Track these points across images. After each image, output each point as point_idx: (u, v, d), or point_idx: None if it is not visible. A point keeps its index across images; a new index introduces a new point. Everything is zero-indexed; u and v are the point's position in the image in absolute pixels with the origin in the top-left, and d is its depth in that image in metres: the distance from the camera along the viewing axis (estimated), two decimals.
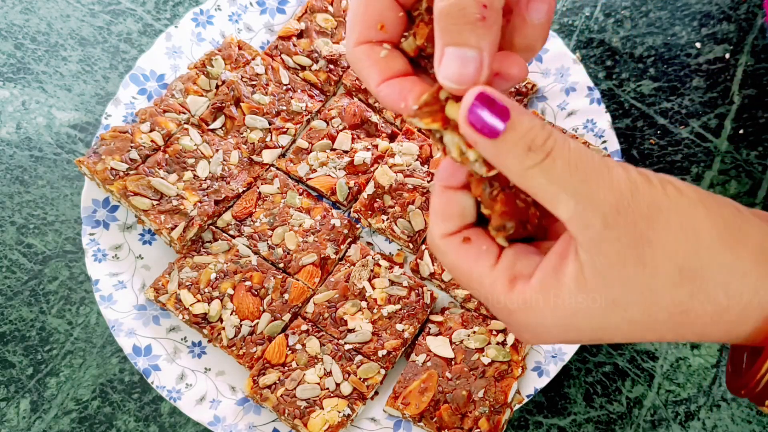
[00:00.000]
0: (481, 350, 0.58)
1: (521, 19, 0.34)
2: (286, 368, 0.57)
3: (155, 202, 0.60)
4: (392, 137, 0.66)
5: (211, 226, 0.62)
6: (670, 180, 0.31)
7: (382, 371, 0.58)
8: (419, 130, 0.65)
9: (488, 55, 0.31)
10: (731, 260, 0.31)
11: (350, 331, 0.59)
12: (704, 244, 0.30)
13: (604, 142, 0.63)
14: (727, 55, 0.69)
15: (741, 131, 0.67)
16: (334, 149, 0.65)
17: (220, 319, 0.59)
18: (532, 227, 0.34)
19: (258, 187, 0.63)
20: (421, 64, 0.35)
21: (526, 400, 0.57)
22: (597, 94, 0.64)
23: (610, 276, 0.30)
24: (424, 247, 0.62)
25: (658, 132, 0.68)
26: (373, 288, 0.60)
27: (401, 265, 0.62)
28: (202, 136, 0.63)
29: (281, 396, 0.56)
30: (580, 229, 0.30)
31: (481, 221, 0.35)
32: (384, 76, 0.34)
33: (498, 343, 0.58)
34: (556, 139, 0.29)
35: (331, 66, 0.67)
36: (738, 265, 0.31)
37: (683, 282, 0.30)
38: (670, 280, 0.30)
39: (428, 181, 0.63)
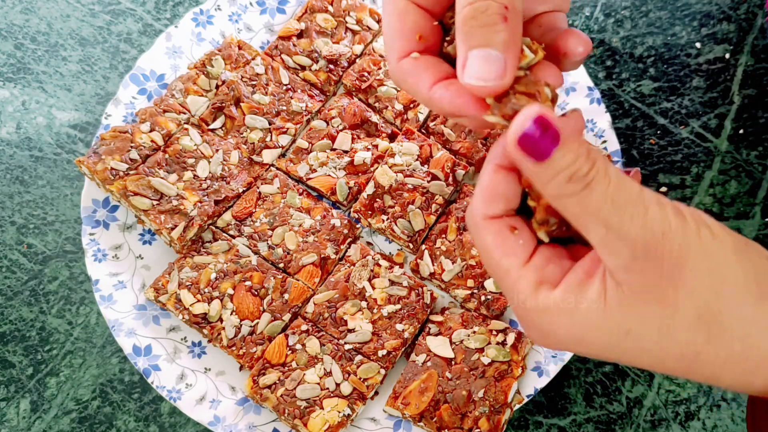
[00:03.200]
0: (481, 350, 0.58)
1: (562, 53, 0.37)
2: (286, 368, 0.57)
3: (155, 202, 0.60)
4: (392, 137, 0.66)
5: (211, 226, 0.62)
6: (707, 222, 0.31)
7: (382, 371, 0.58)
8: (419, 130, 0.65)
9: (512, 55, 0.31)
10: (753, 313, 0.30)
11: (350, 331, 0.59)
12: (728, 293, 0.30)
13: (604, 142, 0.63)
14: (727, 55, 0.69)
15: (741, 131, 0.67)
16: (334, 149, 0.65)
17: (220, 319, 0.59)
18: (573, 229, 0.34)
19: (258, 187, 0.63)
20: None
21: (526, 400, 0.57)
22: (597, 94, 0.64)
23: (630, 307, 0.31)
24: (424, 247, 0.62)
25: (658, 132, 0.68)
26: (373, 288, 0.60)
27: (401, 265, 0.62)
28: (202, 136, 0.63)
29: (281, 396, 0.56)
30: (607, 256, 0.31)
31: (522, 210, 0.35)
32: (435, 79, 0.34)
33: (498, 343, 0.58)
34: (598, 169, 0.29)
35: (331, 66, 0.67)
36: (759, 318, 0.31)
37: (700, 326, 0.30)
38: (688, 323, 0.30)
39: (428, 181, 0.63)
